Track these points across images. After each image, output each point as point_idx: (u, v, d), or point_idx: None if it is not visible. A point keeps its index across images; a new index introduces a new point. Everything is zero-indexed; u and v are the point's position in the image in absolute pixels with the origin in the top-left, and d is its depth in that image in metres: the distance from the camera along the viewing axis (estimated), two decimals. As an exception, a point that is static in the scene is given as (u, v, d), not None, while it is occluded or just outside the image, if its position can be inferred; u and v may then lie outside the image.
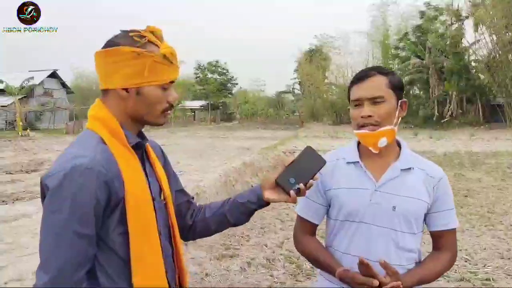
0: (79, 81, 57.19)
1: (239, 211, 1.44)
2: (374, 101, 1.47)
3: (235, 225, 1.49)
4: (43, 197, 1.14)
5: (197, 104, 60.26)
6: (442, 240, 1.56)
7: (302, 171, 1.37)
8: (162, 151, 1.48)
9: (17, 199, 8.28)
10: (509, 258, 4.94)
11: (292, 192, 1.35)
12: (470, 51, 34.40)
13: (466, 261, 4.86)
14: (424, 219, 1.55)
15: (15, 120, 33.14)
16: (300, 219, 1.68)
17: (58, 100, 43.33)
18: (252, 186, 1.48)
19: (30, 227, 6.07)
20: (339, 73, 42.85)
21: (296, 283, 4.32)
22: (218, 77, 62.02)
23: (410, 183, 1.50)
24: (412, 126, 32.98)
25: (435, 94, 33.71)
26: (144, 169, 1.29)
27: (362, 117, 1.48)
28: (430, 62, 33.27)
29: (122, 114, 1.24)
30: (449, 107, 32.76)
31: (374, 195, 1.49)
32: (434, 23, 36.93)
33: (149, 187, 1.26)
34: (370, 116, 1.46)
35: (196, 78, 62.60)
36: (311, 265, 4.70)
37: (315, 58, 45.05)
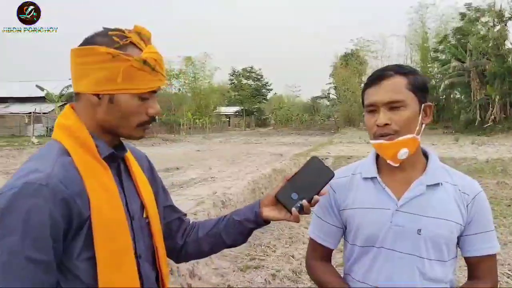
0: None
1: (236, 231, 1.27)
2: (392, 106, 1.24)
3: (231, 246, 1.31)
4: None
5: (232, 110, 60.79)
6: (479, 268, 1.32)
7: (306, 185, 1.20)
8: (149, 163, 1.31)
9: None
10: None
11: (293, 209, 1.17)
12: (515, 53, 33.01)
13: (508, 277, 4.49)
14: (458, 243, 1.32)
15: (56, 127, 34.30)
16: (313, 242, 1.46)
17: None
18: (251, 203, 1.30)
19: None
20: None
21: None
22: (252, 82, 62.32)
23: (438, 202, 1.27)
24: (453, 131, 31.92)
25: (477, 98, 32.54)
26: (121, 184, 1.12)
27: (377, 125, 1.26)
28: (471, 65, 32.16)
29: (91, 121, 1.08)
30: (491, 111, 31.48)
31: (395, 216, 1.27)
32: (475, 25, 35.78)
33: (126, 204, 1.10)
34: (387, 124, 1.24)
35: (231, 84, 63.17)
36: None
37: (351, 62, 44.50)
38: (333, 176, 1.23)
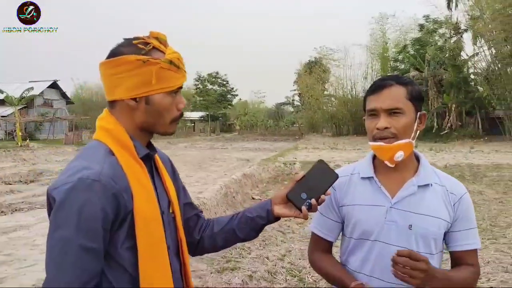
0: (80, 91, 57.33)
1: (249, 226, 1.40)
2: (391, 112, 1.38)
3: (244, 240, 1.44)
4: (49, 208, 1.11)
5: (197, 115, 60.40)
6: (464, 262, 1.45)
7: (314, 186, 1.33)
8: (171, 163, 1.44)
9: (15, 210, 8.22)
10: (513, 272, 4.89)
11: (303, 207, 1.31)
12: (469, 63, 34.56)
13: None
14: (444, 239, 1.46)
15: (15, 131, 33.19)
16: (314, 237, 1.60)
17: (58, 110, 43.48)
18: (260, 200, 1.44)
19: (29, 239, 6.02)
20: (339, 85, 43.02)
21: (299, 297, 4.27)
22: (218, 88, 62.22)
23: (428, 200, 1.42)
24: (412, 138, 32.85)
25: (434, 106, 33.75)
26: (153, 182, 1.26)
27: (378, 129, 1.39)
28: (429, 75, 33.38)
29: (131, 124, 1.21)
30: (448, 119, 32.78)
31: (389, 213, 1.41)
32: (433, 36, 37.18)
33: (158, 200, 1.23)
34: (386, 128, 1.38)
35: (196, 89, 62.78)
36: (313, 278, 4.67)
37: (314, 70, 45.22)
38: (337, 177, 1.36)
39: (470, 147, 23.05)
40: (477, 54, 33.33)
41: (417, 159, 1.51)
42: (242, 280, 4.62)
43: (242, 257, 5.39)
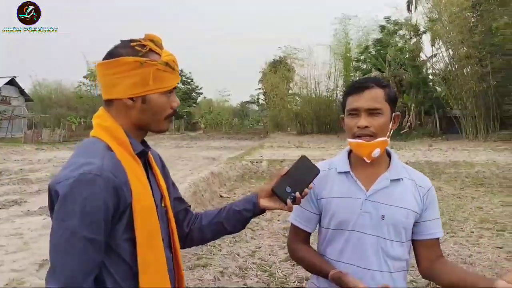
0: (38, 88, 55.41)
1: (235, 219, 1.49)
2: (371, 112, 1.50)
3: (231, 232, 1.53)
4: (50, 203, 1.17)
5: (161, 113, 59.37)
6: (434, 248, 1.58)
7: (298, 180, 1.42)
8: (161, 159, 1.51)
9: (-24, 211, 7.92)
10: (471, 263, 5.18)
11: (288, 200, 1.40)
12: (428, 64, 35.77)
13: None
14: (412, 229, 1.57)
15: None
16: (294, 228, 1.70)
17: (16, 108, 41.88)
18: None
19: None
20: (303, 84, 43.44)
21: (270, 291, 4.37)
22: (182, 86, 61.57)
23: (399, 193, 1.54)
24: (373, 137, 33.68)
25: (395, 105, 34.66)
26: (147, 177, 1.32)
27: (358, 127, 1.50)
28: (390, 75, 34.24)
29: (127, 122, 1.28)
30: (408, 118, 33.80)
31: (364, 204, 1.53)
32: (393, 37, 38.13)
33: (153, 194, 1.30)
34: (366, 127, 1.49)
35: (160, 87, 61.71)
36: (283, 272, 4.79)
37: (279, 69, 45.50)
38: (319, 172, 1.47)
39: (429, 145, 23.87)
40: (435, 55, 34.54)
41: (388, 155, 1.64)
42: (214, 276, 4.70)
43: (213, 254, 5.46)
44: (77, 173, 1.11)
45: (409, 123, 33.66)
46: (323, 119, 40.66)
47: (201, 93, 65.08)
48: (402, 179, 1.57)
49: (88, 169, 1.12)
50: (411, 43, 35.84)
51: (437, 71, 35.23)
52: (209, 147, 27.87)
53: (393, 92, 1.56)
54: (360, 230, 1.53)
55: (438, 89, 34.12)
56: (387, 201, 1.53)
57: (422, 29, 35.88)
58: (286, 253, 5.26)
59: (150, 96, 1.26)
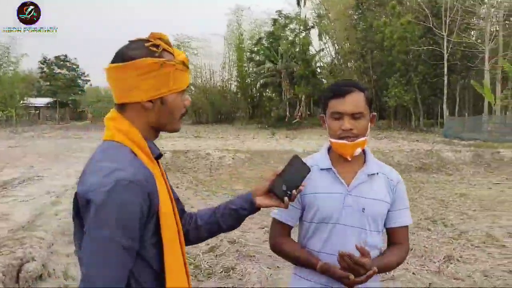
0: None
1: (232, 218, 1.48)
2: (355, 116, 1.60)
3: (226, 230, 1.52)
4: (76, 211, 1.12)
5: (42, 101, 54.92)
6: (398, 236, 1.72)
7: (292, 178, 1.47)
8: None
9: None
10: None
11: (286, 198, 1.44)
12: (317, 58, 37.90)
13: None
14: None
15: None
16: (277, 222, 1.76)
17: None
18: (242, 194, 1.55)
19: None
20: (197, 74, 43.22)
21: (199, 283, 4.38)
22: (67, 72, 57.32)
23: (375, 187, 1.66)
24: (266, 126, 35.05)
25: (286, 97, 36.30)
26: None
27: (343, 129, 1.60)
28: (282, 67, 35.72)
29: (144, 125, 1.23)
30: (299, 109, 35.62)
31: (346, 199, 1.63)
32: (285, 31, 39.70)
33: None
34: (351, 129, 1.59)
35: (42, 73, 56.81)
36: (208, 264, 4.81)
37: (172, 57, 44.66)
38: (310, 170, 1.52)
39: (319, 135, 25.41)
40: (322, 49, 36.80)
41: (363, 151, 1.74)
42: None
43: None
44: (111, 180, 1.06)
45: (300, 113, 35.47)
46: (218, 109, 41.03)
47: (89, 80, 61.31)
48: (377, 173, 1.69)
49: (123, 176, 1.07)
50: (301, 37, 37.57)
51: (325, 65, 37.52)
52: (100, 138, 26.44)
53: (369, 95, 1.68)
54: (343, 223, 1.62)
55: (326, 81, 36.35)
56: (366, 194, 1.64)
57: (310, 24, 37.84)
58: (207, 245, 5.27)
59: (168, 97, 1.22)
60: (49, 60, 56.40)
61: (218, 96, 41.13)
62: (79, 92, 57.99)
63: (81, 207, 1.08)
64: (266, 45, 39.73)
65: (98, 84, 62.68)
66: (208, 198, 8.82)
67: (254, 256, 5.10)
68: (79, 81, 59.64)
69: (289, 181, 1.46)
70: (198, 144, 18.09)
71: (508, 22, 28.77)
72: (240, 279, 4.46)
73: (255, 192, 1.49)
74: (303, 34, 38.08)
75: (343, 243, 1.61)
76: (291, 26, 40.08)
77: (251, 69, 43.61)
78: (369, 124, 1.67)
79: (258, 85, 39.51)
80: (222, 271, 4.61)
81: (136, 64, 1.17)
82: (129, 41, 1.25)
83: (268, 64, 36.98)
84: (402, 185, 1.75)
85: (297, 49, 36.25)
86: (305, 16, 38.19)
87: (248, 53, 43.26)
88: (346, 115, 1.60)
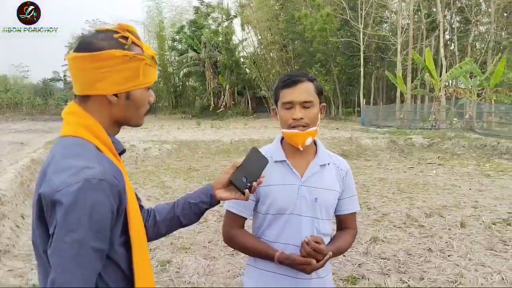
0: None
1: (192, 212, 1.45)
2: (305, 105, 1.62)
3: (186, 225, 1.48)
4: (39, 213, 1.04)
5: None
6: (347, 222, 1.79)
7: (252, 170, 1.48)
8: None
9: None
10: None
11: (246, 190, 1.45)
12: (240, 48, 37.99)
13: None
14: None
15: None
16: (231, 215, 1.75)
17: None
18: (201, 187, 1.54)
19: None
20: (116, 61, 41.52)
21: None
22: None
23: (327, 177, 1.70)
24: (190, 116, 34.66)
25: (210, 86, 36.10)
26: None
27: (294, 119, 1.62)
28: (205, 56, 35.42)
29: (106, 119, 1.17)
30: (223, 98, 35.60)
31: (300, 190, 1.65)
32: (207, 19, 39.26)
33: None
34: (301, 118, 1.61)
35: None
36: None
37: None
38: (268, 162, 1.53)
39: (244, 124, 25.66)
40: (245, 39, 36.96)
41: (314, 142, 1.79)
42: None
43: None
44: (79, 179, 0.99)
45: (224, 103, 35.48)
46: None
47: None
48: (328, 164, 1.73)
49: (92, 174, 1.01)
50: (224, 26, 37.42)
51: (248, 54, 37.73)
52: (12, 130, 24.70)
53: (319, 85, 1.72)
54: (297, 213, 1.65)
55: (249, 71, 36.63)
56: (319, 185, 1.68)
57: (233, 13, 37.79)
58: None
59: (134, 92, 1.17)
60: None
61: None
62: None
63: (46, 210, 1.01)
64: (189, 33, 39.02)
65: (5, 73, 57.89)
66: (136, 191, 8.55)
67: (189, 248, 5.06)
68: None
69: (249, 173, 1.46)
70: (120, 136, 17.33)
71: (417, 16, 30.83)
72: (177, 271, 4.41)
73: (216, 185, 1.48)
74: (226, 24, 37.96)
75: (297, 232, 1.64)
76: (213, 15, 39.73)
77: (173, 57, 42.73)
78: (319, 114, 1.71)
79: (181, 74, 38.83)
80: (157, 265, 4.53)
81: (104, 55, 1.11)
82: (96, 30, 1.18)
83: (191, 53, 36.44)
84: (350, 174, 1.81)
85: (220, 38, 36.07)
86: (227, 5, 38.10)
87: (170, 42, 42.29)
88: (297, 104, 1.62)
